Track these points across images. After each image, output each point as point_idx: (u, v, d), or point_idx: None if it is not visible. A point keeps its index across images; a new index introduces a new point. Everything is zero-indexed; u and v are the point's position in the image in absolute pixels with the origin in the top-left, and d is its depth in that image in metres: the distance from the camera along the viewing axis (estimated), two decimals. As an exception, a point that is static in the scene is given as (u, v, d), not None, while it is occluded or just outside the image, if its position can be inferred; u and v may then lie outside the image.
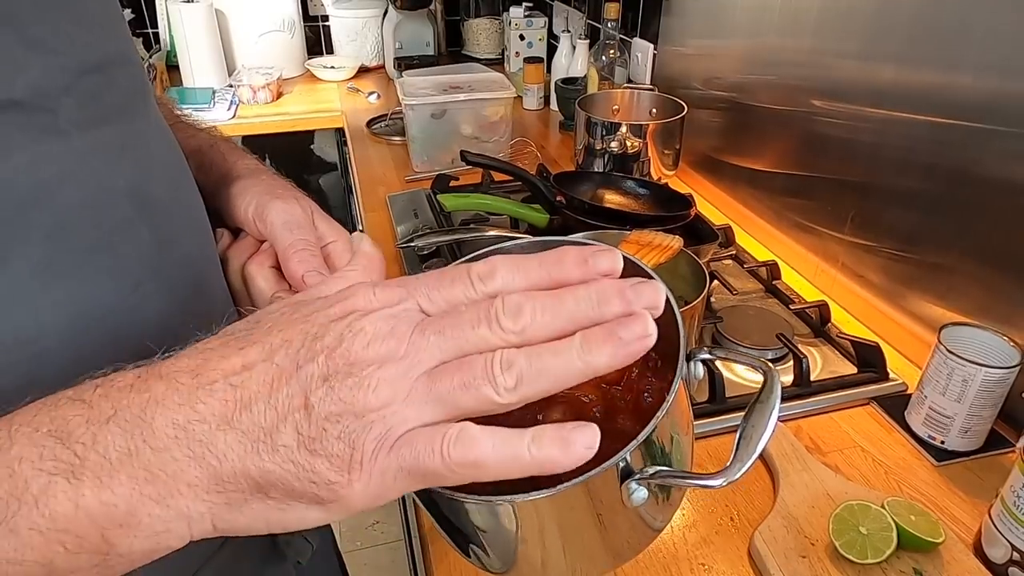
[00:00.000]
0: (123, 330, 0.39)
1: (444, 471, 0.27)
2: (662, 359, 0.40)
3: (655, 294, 0.28)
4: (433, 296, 0.29)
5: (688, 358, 0.37)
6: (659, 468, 0.32)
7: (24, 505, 0.25)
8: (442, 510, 0.36)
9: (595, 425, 0.26)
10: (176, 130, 0.49)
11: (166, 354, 0.30)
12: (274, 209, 0.50)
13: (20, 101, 0.34)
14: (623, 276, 0.30)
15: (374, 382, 0.27)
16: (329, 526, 0.77)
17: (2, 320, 0.34)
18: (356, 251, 0.37)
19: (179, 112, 0.59)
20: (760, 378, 0.37)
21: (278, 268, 0.50)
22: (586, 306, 0.27)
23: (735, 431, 0.35)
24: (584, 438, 0.26)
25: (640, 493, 0.32)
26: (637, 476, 0.32)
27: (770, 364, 0.37)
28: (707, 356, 0.38)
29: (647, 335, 0.27)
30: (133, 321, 0.40)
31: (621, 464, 0.31)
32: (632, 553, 0.39)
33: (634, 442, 0.31)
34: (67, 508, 0.25)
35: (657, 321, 0.28)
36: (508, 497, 0.31)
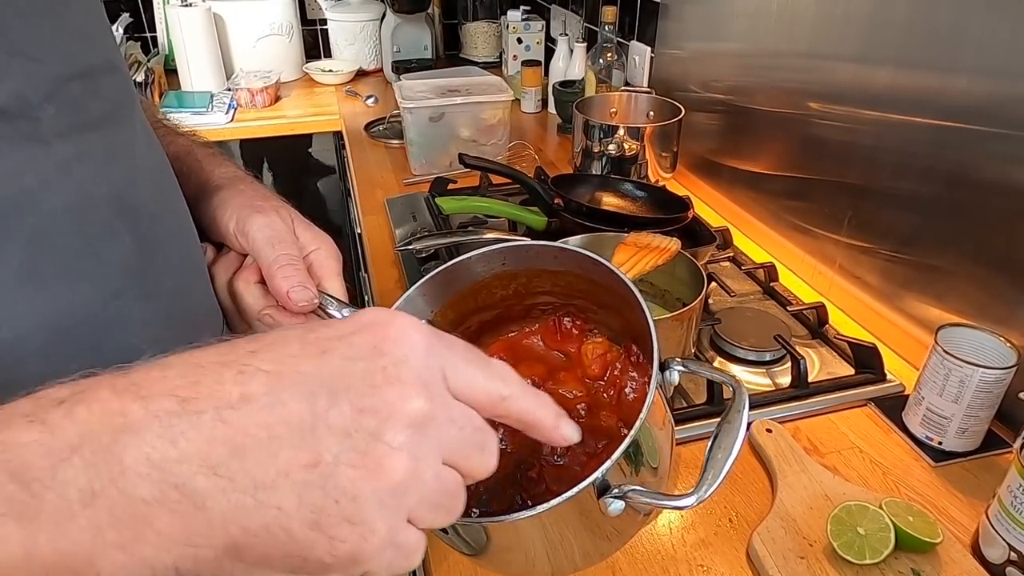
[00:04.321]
0: (103, 338, 0.39)
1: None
2: (644, 354, 0.41)
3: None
4: (460, 371, 0.27)
5: (662, 368, 0.39)
6: (633, 487, 0.34)
7: None
8: None
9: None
10: (155, 135, 0.49)
11: (152, 357, 0.26)
12: (255, 224, 0.49)
13: (2, 109, 0.33)
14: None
15: (403, 454, 0.24)
16: None
17: None
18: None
19: (160, 116, 0.58)
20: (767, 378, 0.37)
21: (264, 283, 0.49)
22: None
23: None
24: None
25: (617, 505, 0.34)
26: (614, 491, 0.34)
27: (739, 380, 0.38)
28: (681, 368, 0.40)
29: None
30: (114, 329, 0.39)
31: (597, 481, 0.33)
32: (619, 544, 0.41)
33: (609, 461, 0.33)
34: (16, 555, 0.21)
35: (633, 323, 0.32)
36: (503, 517, 0.33)
